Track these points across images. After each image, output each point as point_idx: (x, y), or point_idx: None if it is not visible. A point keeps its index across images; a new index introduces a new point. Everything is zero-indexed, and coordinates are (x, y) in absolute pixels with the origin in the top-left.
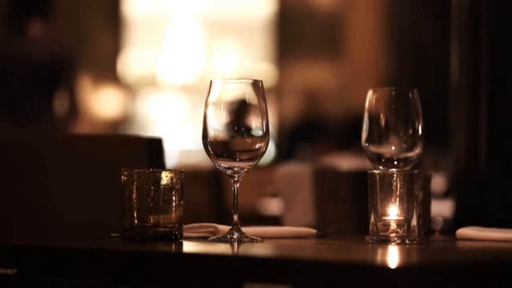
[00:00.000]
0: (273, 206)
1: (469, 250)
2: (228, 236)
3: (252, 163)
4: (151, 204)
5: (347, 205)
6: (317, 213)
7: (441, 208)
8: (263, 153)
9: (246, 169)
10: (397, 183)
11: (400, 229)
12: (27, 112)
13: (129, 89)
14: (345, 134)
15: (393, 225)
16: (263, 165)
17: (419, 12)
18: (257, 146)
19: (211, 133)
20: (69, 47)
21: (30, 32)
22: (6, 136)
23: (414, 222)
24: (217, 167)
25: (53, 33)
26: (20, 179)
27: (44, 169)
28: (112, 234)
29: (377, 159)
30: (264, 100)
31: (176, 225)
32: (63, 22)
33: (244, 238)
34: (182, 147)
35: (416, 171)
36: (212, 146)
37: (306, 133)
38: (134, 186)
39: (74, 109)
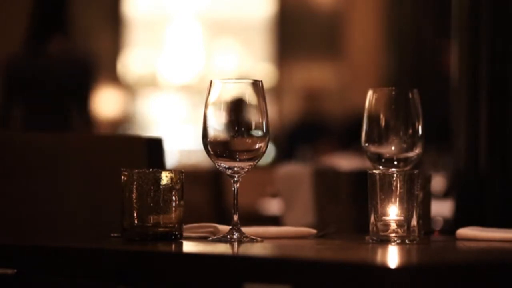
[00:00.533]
0: (273, 206)
1: (469, 250)
2: (228, 236)
3: (252, 163)
4: (151, 204)
5: (347, 205)
6: (317, 213)
7: (441, 208)
8: (263, 153)
9: (246, 169)
10: (397, 183)
11: (400, 229)
12: (51, 123)
13: (129, 89)
14: (345, 134)
15: (393, 225)
16: (263, 165)
17: (419, 12)
18: (257, 146)
19: (211, 133)
20: (88, 61)
21: (51, 48)
22: (6, 136)
23: (414, 222)
24: (217, 167)
25: (73, 49)
26: (20, 179)
27: (44, 169)
28: (112, 234)
29: (377, 159)
30: (264, 100)
31: (176, 225)
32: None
33: (244, 238)
34: (182, 147)
35: (416, 171)
36: (212, 146)
37: (306, 133)
38: (134, 186)
39: (90, 121)
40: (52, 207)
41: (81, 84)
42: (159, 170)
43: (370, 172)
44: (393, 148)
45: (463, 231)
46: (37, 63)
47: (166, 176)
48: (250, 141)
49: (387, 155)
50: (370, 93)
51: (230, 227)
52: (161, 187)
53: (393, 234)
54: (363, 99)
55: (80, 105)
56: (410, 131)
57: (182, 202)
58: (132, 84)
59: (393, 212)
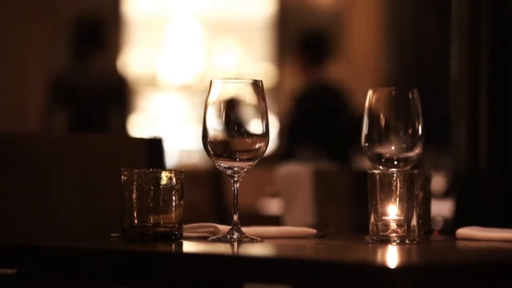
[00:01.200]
0: (273, 206)
1: (469, 250)
2: (228, 236)
3: (252, 163)
4: (151, 204)
5: (347, 205)
6: (317, 213)
7: (441, 208)
8: (263, 153)
9: (246, 169)
10: (397, 183)
11: (400, 229)
12: (93, 127)
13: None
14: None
15: (393, 225)
16: (263, 165)
17: (419, 12)
18: (257, 146)
19: (211, 133)
20: (123, 75)
21: (91, 65)
22: (6, 136)
23: (414, 222)
24: (217, 167)
25: (109, 64)
26: (20, 179)
27: (44, 169)
28: (112, 234)
29: (377, 159)
30: (264, 100)
31: (176, 225)
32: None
33: (244, 238)
34: (182, 147)
35: (416, 171)
36: (212, 146)
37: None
38: (134, 186)
39: (127, 124)
40: (52, 207)
41: (117, 94)
42: (159, 170)
43: (370, 172)
44: (393, 148)
45: (463, 231)
46: (81, 78)
47: (166, 176)
48: (250, 141)
49: (387, 155)
50: (370, 93)
51: (230, 227)
52: (161, 187)
53: (393, 234)
54: (363, 99)
55: (117, 112)
56: (410, 131)
57: (182, 202)
58: (132, 84)
59: (393, 212)
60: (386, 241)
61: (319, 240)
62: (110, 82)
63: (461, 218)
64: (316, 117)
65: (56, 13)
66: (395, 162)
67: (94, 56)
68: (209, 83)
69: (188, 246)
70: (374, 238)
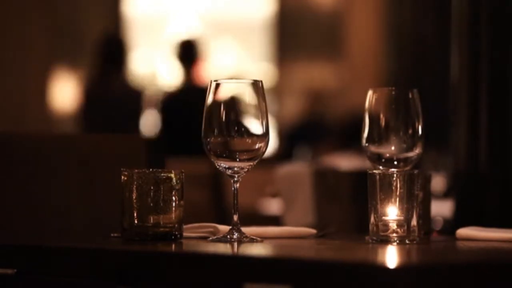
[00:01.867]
0: (273, 206)
1: (469, 250)
2: (228, 236)
3: (252, 163)
4: (151, 204)
5: (347, 205)
6: (317, 213)
7: (441, 208)
8: (263, 153)
9: (246, 169)
10: (397, 183)
11: (400, 229)
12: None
13: None
14: (345, 134)
15: (393, 225)
16: (263, 165)
17: (419, 12)
18: (257, 146)
19: (211, 133)
20: (139, 91)
21: (112, 82)
22: (6, 136)
23: (414, 222)
24: (217, 167)
25: (127, 80)
26: (20, 179)
27: (44, 169)
28: (112, 234)
29: (377, 159)
30: (264, 100)
31: (176, 225)
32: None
33: (244, 238)
34: None
35: (416, 171)
36: (212, 146)
37: (307, 133)
38: (134, 186)
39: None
40: (52, 207)
41: (134, 108)
42: (159, 170)
43: (370, 172)
44: (393, 148)
45: (463, 231)
46: (104, 93)
47: (166, 176)
48: (250, 141)
49: (387, 155)
50: (370, 93)
51: (230, 227)
52: (161, 187)
53: (393, 234)
54: (363, 99)
55: (134, 123)
56: (410, 131)
57: (182, 202)
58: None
59: (393, 212)
60: (386, 241)
61: (319, 240)
62: (130, 98)
63: (461, 218)
64: (184, 117)
65: (56, 13)
66: (395, 162)
67: (116, 74)
68: (209, 83)
69: (188, 246)
70: (374, 238)
